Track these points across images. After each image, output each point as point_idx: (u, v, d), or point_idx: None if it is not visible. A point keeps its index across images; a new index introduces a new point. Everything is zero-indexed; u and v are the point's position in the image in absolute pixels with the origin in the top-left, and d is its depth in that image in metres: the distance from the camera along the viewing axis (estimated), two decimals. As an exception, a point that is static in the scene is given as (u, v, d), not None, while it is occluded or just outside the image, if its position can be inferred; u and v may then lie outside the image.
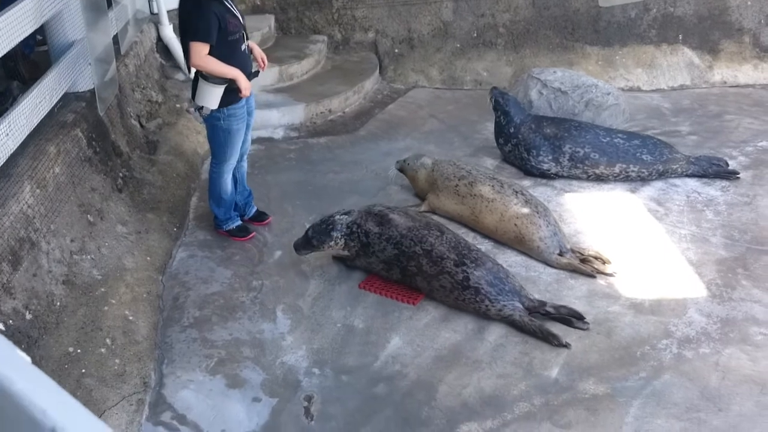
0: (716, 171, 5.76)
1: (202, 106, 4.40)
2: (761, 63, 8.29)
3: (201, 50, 4.22)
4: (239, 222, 5.00)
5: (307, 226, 5.01)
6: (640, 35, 8.27)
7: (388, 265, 4.33)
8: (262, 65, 4.72)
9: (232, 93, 4.40)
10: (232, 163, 4.74)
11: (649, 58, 8.20)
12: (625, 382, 3.60)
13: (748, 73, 8.22)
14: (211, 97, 4.34)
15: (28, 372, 0.69)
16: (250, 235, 4.98)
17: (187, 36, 4.29)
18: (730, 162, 5.92)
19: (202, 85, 4.31)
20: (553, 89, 6.48)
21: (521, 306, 3.97)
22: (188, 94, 6.61)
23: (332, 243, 4.42)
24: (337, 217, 4.46)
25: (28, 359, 0.72)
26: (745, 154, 6.23)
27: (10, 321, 3.22)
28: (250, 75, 4.53)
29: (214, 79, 4.29)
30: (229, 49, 4.33)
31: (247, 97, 4.55)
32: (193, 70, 4.50)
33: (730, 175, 5.75)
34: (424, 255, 4.16)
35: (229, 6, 4.34)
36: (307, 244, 4.47)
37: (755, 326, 4.01)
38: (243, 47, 4.46)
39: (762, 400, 3.46)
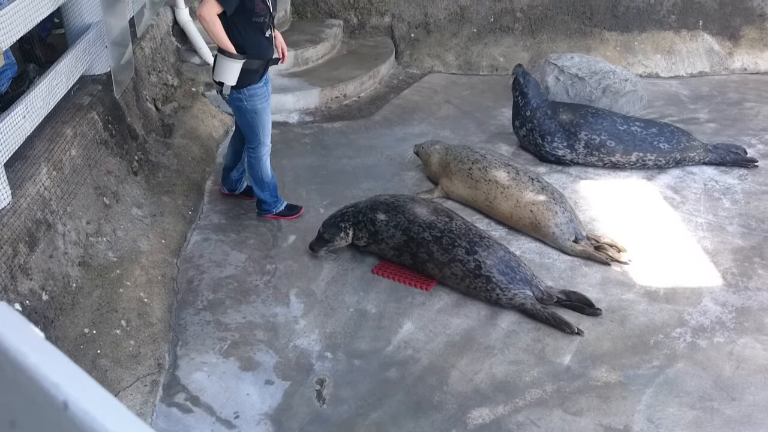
0: (734, 159, 5.69)
1: (222, 86, 4.44)
2: (783, 50, 8.16)
3: (212, 6, 4.18)
4: (285, 202, 5.04)
5: (321, 210, 5.03)
6: (660, 21, 8.17)
7: (398, 251, 4.34)
8: (282, 57, 4.74)
9: (250, 73, 4.43)
10: (267, 144, 4.77)
11: (668, 44, 8.10)
12: (638, 370, 3.59)
13: (769, 60, 8.11)
14: (229, 72, 4.35)
15: (42, 347, 0.70)
16: (300, 212, 5.06)
17: None
18: (748, 150, 5.85)
19: (220, 59, 4.34)
20: (570, 75, 6.42)
21: (532, 294, 3.96)
22: (204, 77, 6.64)
23: (342, 234, 4.45)
24: (344, 210, 4.51)
25: (42, 335, 0.73)
26: (764, 143, 6.16)
27: (27, 301, 3.26)
28: (269, 61, 4.57)
29: (233, 54, 4.31)
30: (251, 29, 4.36)
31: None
32: (211, 56, 4.49)
33: (749, 164, 5.69)
34: (434, 242, 4.16)
35: None
36: (320, 239, 4.50)
37: (771, 316, 3.99)
38: (267, 33, 4.48)
39: (776, 390, 3.44)
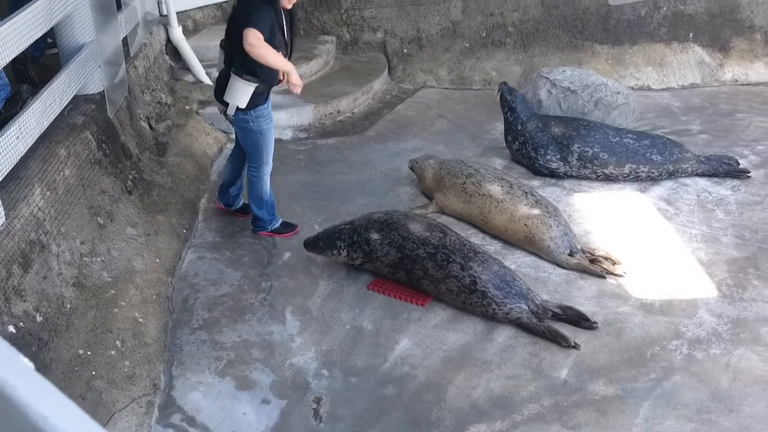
0: (727, 170, 5.72)
1: (226, 107, 4.49)
2: (773, 61, 8.23)
3: (259, 35, 4.20)
4: (280, 219, 5.05)
5: (316, 227, 5.02)
6: (651, 33, 8.23)
7: (393, 269, 4.34)
8: (283, 79, 4.80)
9: (258, 95, 4.50)
10: (270, 164, 4.82)
11: (659, 56, 8.15)
12: (635, 383, 3.58)
13: (759, 71, 8.17)
14: (242, 95, 4.42)
15: (31, 378, 0.69)
16: (296, 229, 5.05)
17: (245, 24, 4.22)
18: (741, 161, 5.88)
19: (236, 82, 4.39)
20: (562, 88, 6.45)
21: (528, 309, 3.96)
22: (197, 95, 6.65)
23: (335, 252, 4.46)
24: (342, 227, 4.51)
25: (32, 365, 0.72)
26: (756, 153, 6.19)
27: (21, 323, 3.24)
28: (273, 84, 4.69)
29: (249, 77, 4.36)
30: None
31: (295, 93, 4.65)
32: (212, 76, 4.55)
33: (741, 174, 5.72)
34: (429, 258, 4.16)
35: (283, 23, 4.44)
36: (315, 245, 4.52)
37: (766, 326, 3.98)
38: None
39: (774, 402, 3.43)
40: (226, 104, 4.51)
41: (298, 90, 4.57)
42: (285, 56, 4.54)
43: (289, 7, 4.46)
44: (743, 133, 6.66)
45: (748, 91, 7.85)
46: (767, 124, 6.84)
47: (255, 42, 4.19)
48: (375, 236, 4.36)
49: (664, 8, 8.22)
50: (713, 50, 8.24)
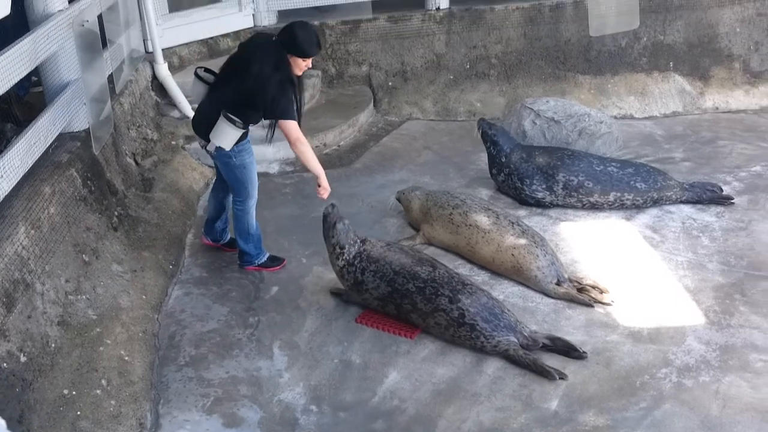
0: (711, 197, 5.77)
1: (208, 142, 4.51)
2: (752, 88, 8.37)
3: (297, 126, 4.43)
4: (267, 253, 5.04)
5: (304, 260, 5.00)
6: (632, 63, 8.36)
7: (382, 302, 4.32)
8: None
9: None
10: (255, 197, 4.83)
11: (640, 85, 8.27)
12: (625, 412, 3.57)
13: (739, 98, 8.30)
14: (229, 138, 4.45)
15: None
16: (283, 263, 5.04)
17: (274, 110, 4.39)
18: (724, 187, 5.93)
19: (225, 126, 4.40)
20: (546, 119, 6.52)
21: (517, 341, 3.95)
22: (183, 130, 6.65)
23: (339, 250, 4.40)
24: (356, 240, 4.45)
25: (3, 423, 0.71)
26: (739, 180, 6.25)
27: (4, 364, 3.20)
28: None
29: (239, 123, 4.39)
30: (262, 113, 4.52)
31: (322, 198, 4.72)
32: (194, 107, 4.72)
33: (725, 201, 5.77)
34: (418, 292, 4.15)
35: (296, 92, 4.51)
36: (334, 221, 4.47)
37: (755, 353, 3.99)
38: None
39: (764, 428, 3.43)
40: (208, 139, 4.52)
41: (325, 195, 4.66)
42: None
43: (300, 74, 4.51)
44: (726, 160, 6.74)
45: (729, 119, 7.96)
46: (749, 150, 6.93)
47: (301, 138, 4.44)
48: (370, 267, 4.34)
49: (644, 38, 8.36)
50: (693, 79, 8.37)
